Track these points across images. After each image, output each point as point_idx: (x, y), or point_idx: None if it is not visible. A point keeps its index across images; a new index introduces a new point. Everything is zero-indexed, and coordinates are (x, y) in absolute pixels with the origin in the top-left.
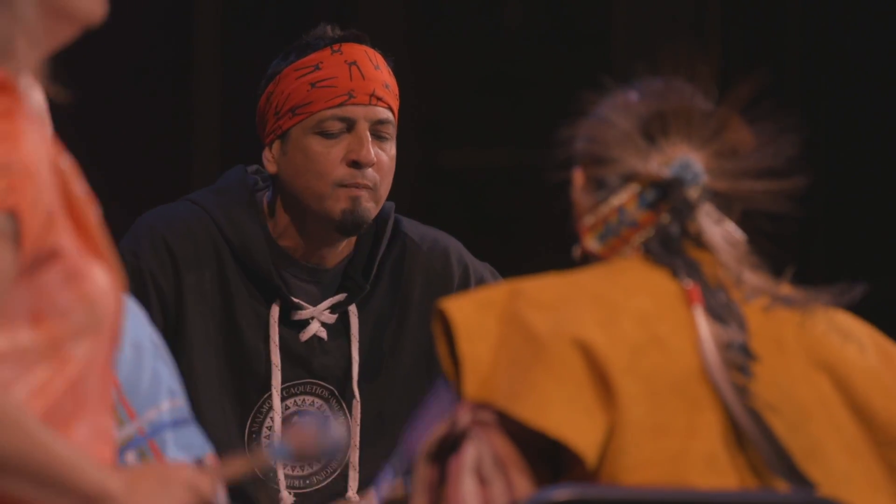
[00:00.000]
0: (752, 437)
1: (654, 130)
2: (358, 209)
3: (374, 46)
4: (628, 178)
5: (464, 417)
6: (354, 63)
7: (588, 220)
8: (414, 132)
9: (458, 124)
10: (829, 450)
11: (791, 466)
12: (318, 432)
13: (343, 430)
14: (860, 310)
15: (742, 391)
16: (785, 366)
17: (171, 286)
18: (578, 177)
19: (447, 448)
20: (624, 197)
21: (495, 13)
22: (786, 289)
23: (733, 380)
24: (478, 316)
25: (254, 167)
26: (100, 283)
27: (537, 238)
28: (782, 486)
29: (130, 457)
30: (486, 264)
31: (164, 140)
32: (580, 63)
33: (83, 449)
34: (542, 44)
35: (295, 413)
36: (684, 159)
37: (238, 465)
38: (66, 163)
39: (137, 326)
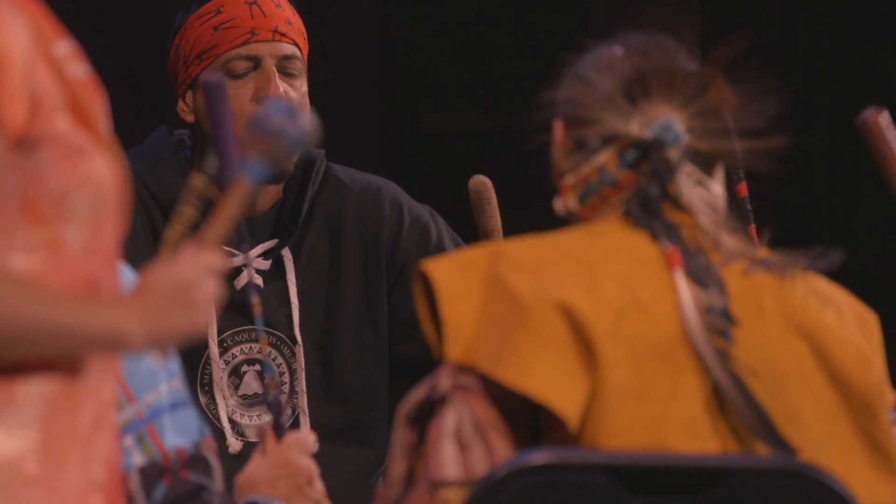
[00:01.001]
0: (734, 401)
1: (635, 91)
2: None
3: (350, 18)
4: (609, 138)
5: (444, 381)
6: (255, 3)
7: (568, 180)
8: (392, 97)
9: (437, 89)
10: (807, 415)
11: (772, 430)
12: (281, 126)
13: (308, 118)
14: (837, 274)
15: (723, 355)
16: (764, 330)
17: None
18: (559, 137)
19: (427, 412)
20: (604, 157)
21: None
22: (763, 252)
23: (714, 344)
24: (460, 278)
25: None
26: (99, 165)
27: (516, 202)
28: (763, 451)
29: (129, 441)
30: (425, 205)
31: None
32: (559, 27)
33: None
34: (521, 8)
35: (245, 361)
36: (666, 120)
37: (226, 213)
38: (65, 48)
39: None
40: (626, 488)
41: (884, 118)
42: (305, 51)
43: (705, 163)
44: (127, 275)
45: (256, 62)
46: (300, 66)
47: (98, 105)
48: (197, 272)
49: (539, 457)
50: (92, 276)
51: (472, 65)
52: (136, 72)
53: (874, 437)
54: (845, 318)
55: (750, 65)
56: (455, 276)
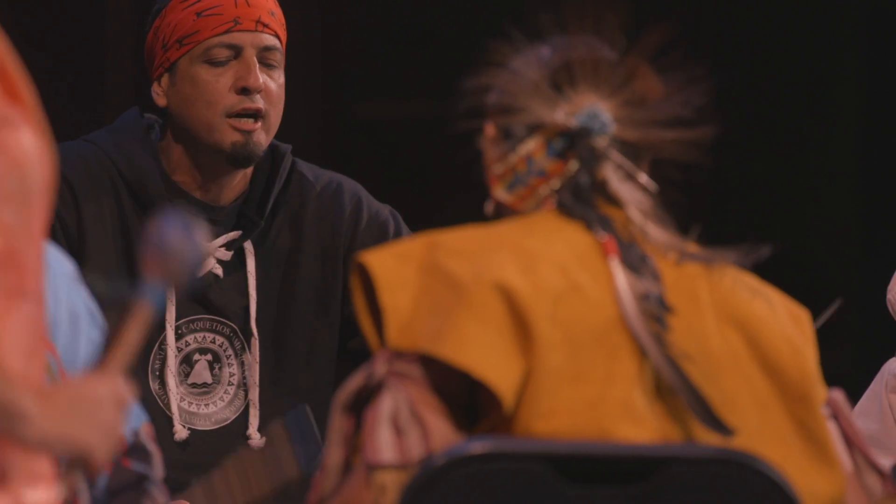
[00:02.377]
0: (673, 383)
1: (561, 80)
2: (248, 144)
3: (290, 2)
4: (536, 127)
5: (380, 368)
6: None
7: (497, 169)
8: (328, 84)
9: (373, 76)
10: (742, 404)
11: (710, 412)
12: (178, 245)
13: (201, 232)
14: (765, 269)
15: (660, 340)
16: (699, 319)
17: (72, 217)
18: (488, 127)
19: (363, 399)
20: (532, 146)
21: None
22: (692, 246)
23: (651, 329)
24: (397, 267)
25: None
26: (27, 138)
27: (452, 190)
28: (700, 434)
29: None
30: (386, 205)
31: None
32: (494, 14)
33: (16, 337)
34: None
35: (197, 349)
36: (592, 109)
37: (128, 340)
38: None
39: (72, 292)
40: (564, 477)
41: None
42: (285, 43)
43: (634, 152)
44: (54, 257)
45: (237, 51)
46: (280, 58)
47: (28, 83)
48: (104, 395)
49: (477, 446)
50: (12, 251)
51: (409, 52)
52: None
53: (808, 426)
54: (776, 310)
55: (678, 54)
56: (392, 265)
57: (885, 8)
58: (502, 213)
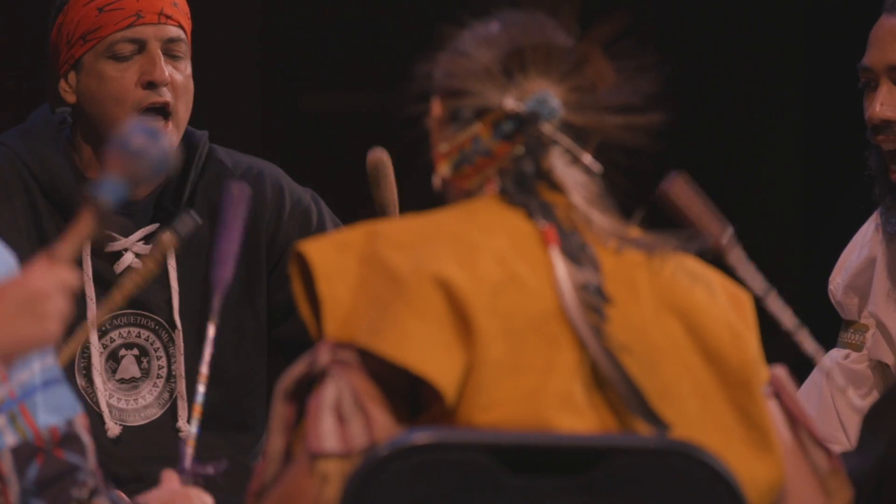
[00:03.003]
0: (609, 376)
1: (512, 64)
2: None
3: None
4: (484, 110)
5: (323, 356)
6: None
7: (443, 148)
8: (272, 76)
9: (318, 68)
10: (681, 392)
11: (646, 406)
12: (142, 146)
13: (165, 139)
14: (707, 256)
15: (598, 332)
16: (638, 308)
17: None
18: (436, 108)
19: (306, 388)
20: (479, 127)
21: None
22: (635, 232)
23: (589, 320)
24: (336, 257)
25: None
26: None
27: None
28: (637, 426)
29: (0, 421)
30: (307, 189)
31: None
32: (440, 6)
33: None
34: None
35: (122, 345)
36: (542, 94)
37: (79, 231)
38: None
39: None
40: (508, 468)
41: (685, 183)
42: (190, 32)
43: (581, 137)
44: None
45: (141, 45)
46: (185, 49)
47: None
48: (49, 285)
49: (421, 436)
50: None
51: (353, 43)
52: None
53: (749, 413)
54: (717, 296)
55: (628, 42)
56: (331, 255)
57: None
58: (448, 192)
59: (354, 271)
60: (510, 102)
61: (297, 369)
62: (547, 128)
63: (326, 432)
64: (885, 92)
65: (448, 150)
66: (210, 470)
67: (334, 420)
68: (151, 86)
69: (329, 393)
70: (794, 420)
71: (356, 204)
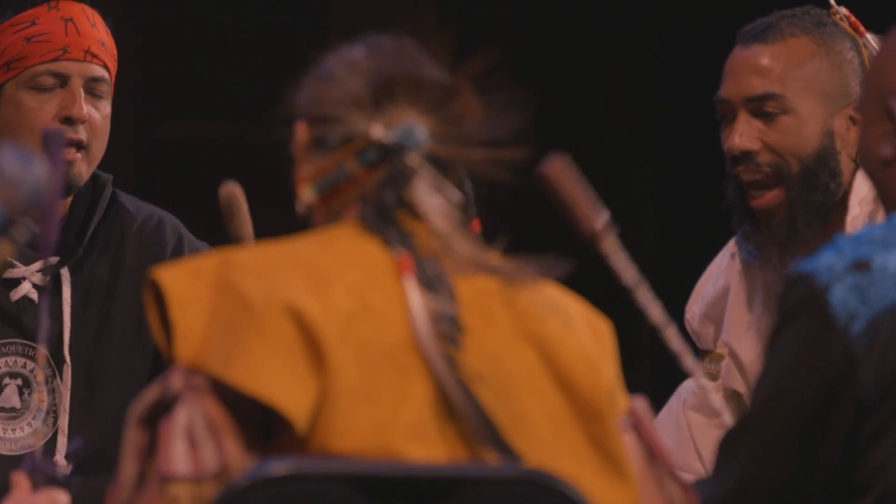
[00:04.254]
0: (461, 406)
1: (381, 93)
2: (70, 171)
3: (93, 6)
4: (351, 138)
5: (176, 382)
6: (71, 20)
7: (306, 171)
8: (132, 104)
9: (177, 96)
10: (535, 421)
11: (497, 436)
12: (17, 174)
13: (43, 165)
14: (568, 283)
15: (451, 361)
16: (493, 337)
17: None
18: (302, 134)
19: (159, 413)
20: (344, 153)
21: None
22: (495, 259)
23: (443, 350)
24: (190, 284)
25: None
26: None
27: (257, 210)
28: (488, 456)
29: None
30: (204, 242)
31: None
32: (299, 34)
33: None
34: (261, 14)
35: (7, 374)
36: (408, 125)
37: None
38: None
39: None
40: (365, 498)
41: (564, 164)
42: (114, 73)
43: (445, 169)
44: None
45: (64, 80)
46: (107, 89)
47: None
48: None
49: (279, 467)
50: None
51: (213, 72)
52: None
53: (603, 443)
54: (574, 325)
55: (497, 77)
56: (184, 281)
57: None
58: (309, 215)
59: (207, 298)
60: (377, 131)
61: (150, 395)
62: (412, 158)
63: (177, 456)
64: (743, 123)
65: (311, 174)
66: (62, 468)
67: (185, 444)
68: (69, 121)
69: (181, 418)
70: (652, 453)
71: (213, 232)
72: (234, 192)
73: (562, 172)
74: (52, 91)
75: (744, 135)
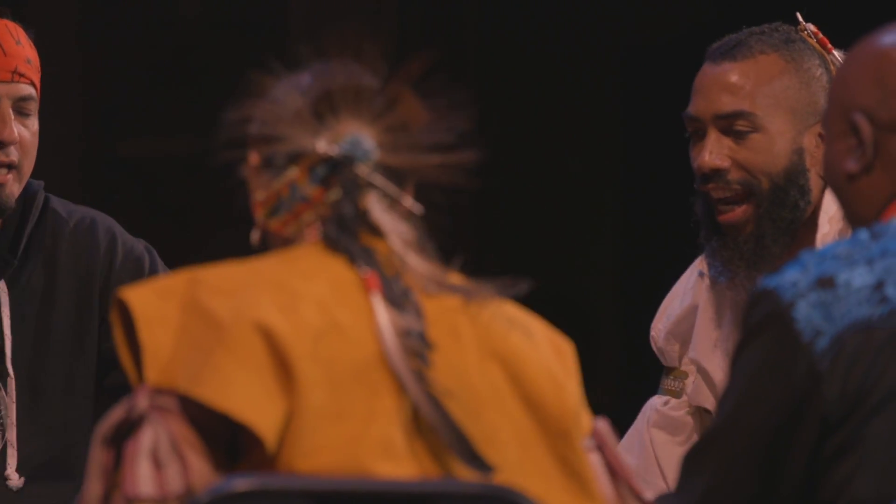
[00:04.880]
0: (432, 421)
1: (322, 108)
2: (2, 193)
3: (49, 37)
4: (298, 156)
5: (142, 402)
6: None
7: (260, 196)
8: (89, 121)
9: (136, 113)
10: (503, 439)
11: (470, 450)
12: None
13: None
14: (528, 301)
15: (420, 377)
16: (460, 354)
17: None
18: (251, 157)
19: (124, 433)
20: (295, 173)
21: (172, 1)
22: (455, 278)
23: (412, 366)
24: (158, 303)
25: None
26: None
27: (215, 227)
28: (461, 472)
29: None
30: (140, 240)
31: None
32: (257, 51)
33: None
34: (219, 32)
35: None
36: (354, 136)
37: None
38: None
39: None
40: None
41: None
42: (40, 88)
43: (398, 178)
44: None
45: None
46: (34, 106)
47: None
48: None
49: (241, 483)
50: None
51: (172, 89)
52: None
53: (569, 461)
54: (539, 343)
55: (441, 80)
56: (152, 301)
57: (641, 49)
58: (268, 240)
59: (176, 317)
60: (323, 145)
61: (115, 414)
62: (362, 169)
63: (142, 477)
64: (713, 141)
65: (265, 198)
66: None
67: (150, 465)
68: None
69: (146, 438)
70: (615, 473)
71: (173, 249)
72: None
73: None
74: None
75: (714, 152)
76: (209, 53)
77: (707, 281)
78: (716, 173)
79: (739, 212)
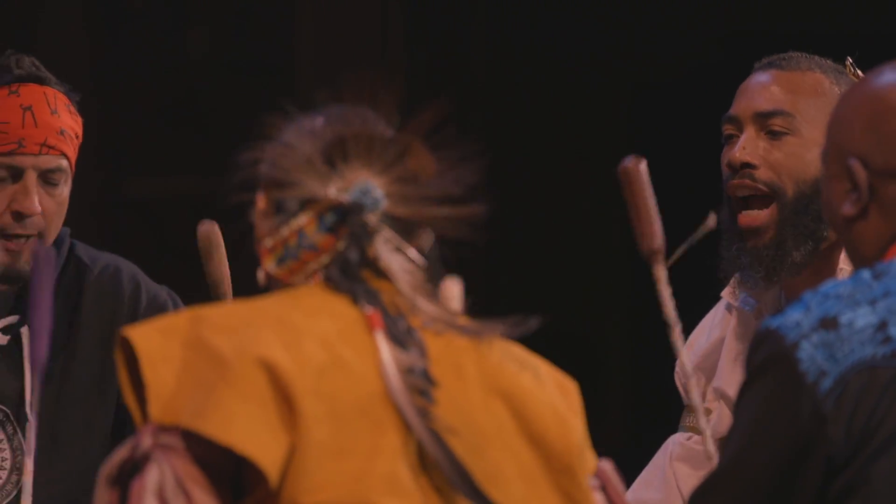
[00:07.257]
0: (436, 457)
1: (334, 155)
2: (17, 264)
3: (59, 78)
4: (308, 202)
5: (146, 441)
6: (30, 108)
7: (268, 243)
8: (98, 161)
9: (143, 153)
10: (508, 476)
11: (473, 486)
12: None
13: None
14: (533, 341)
15: (424, 413)
16: (464, 392)
17: None
18: (260, 201)
19: (129, 472)
20: (303, 220)
21: (179, 41)
22: (462, 318)
23: (415, 403)
24: (161, 342)
25: None
26: None
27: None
28: None
29: None
30: (164, 287)
31: None
32: (265, 92)
33: None
34: (227, 73)
35: None
36: (364, 185)
37: None
38: None
39: None
40: None
41: (643, 167)
42: (75, 156)
43: (405, 228)
44: None
45: (17, 173)
46: (63, 177)
47: None
48: None
49: None
50: None
51: (180, 129)
52: None
53: (574, 497)
54: (543, 381)
55: (450, 132)
56: (156, 340)
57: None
58: (273, 284)
59: (179, 355)
60: (333, 192)
61: (120, 454)
62: (371, 218)
63: None
64: (748, 138)
65: (273, 245)
66: None
67: (157, 503)
68: (19, 216)
69: (151, 477)
70: None
71: (182, 288)
72: (211, 230)
73: (637, 177)
74: (5, 182)
75: (747, 148)
76: (216, 94)
77: (735, 313)
78: (744, 167)
79: (762, 216)
